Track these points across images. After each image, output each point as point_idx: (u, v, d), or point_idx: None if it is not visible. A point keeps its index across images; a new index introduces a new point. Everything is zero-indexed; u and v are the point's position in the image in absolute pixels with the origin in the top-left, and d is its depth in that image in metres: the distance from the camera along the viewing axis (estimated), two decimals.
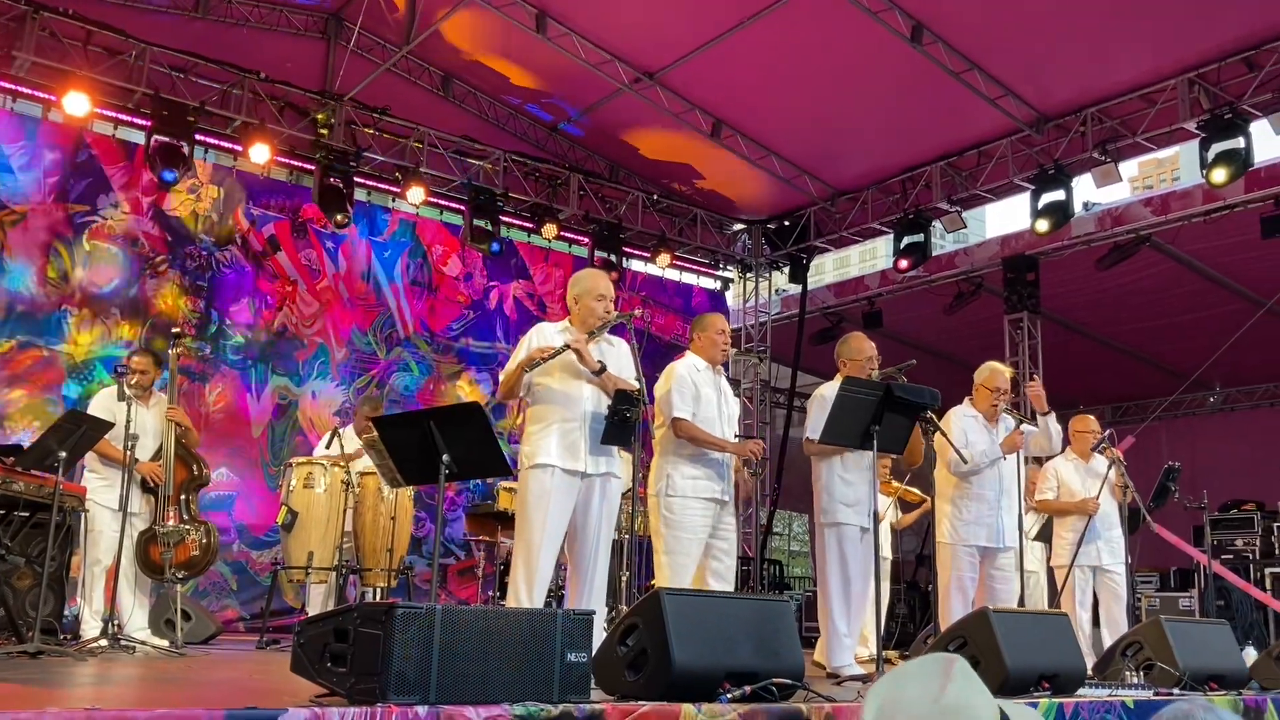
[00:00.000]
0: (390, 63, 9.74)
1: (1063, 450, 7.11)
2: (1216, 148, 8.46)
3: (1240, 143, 8.36)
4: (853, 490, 5.47)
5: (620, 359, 4.93)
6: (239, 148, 9.60)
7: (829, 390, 5.44)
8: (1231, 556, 10.50)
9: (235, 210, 9.81)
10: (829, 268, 40.94)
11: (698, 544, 5.17)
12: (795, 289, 12.62)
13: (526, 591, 4.58)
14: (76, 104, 8.58)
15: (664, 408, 5.26)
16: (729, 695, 3.12)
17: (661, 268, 12.11)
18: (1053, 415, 6.08)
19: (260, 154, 9.39)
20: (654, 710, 2.88)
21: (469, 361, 10.93)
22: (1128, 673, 4.81)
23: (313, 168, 9.80)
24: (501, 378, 4.90)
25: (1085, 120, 9.35)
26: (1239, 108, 8.39)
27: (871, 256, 40.30)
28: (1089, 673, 4.65)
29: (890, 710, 2.06)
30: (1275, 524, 10.59)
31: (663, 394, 5.29)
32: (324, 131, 9.65)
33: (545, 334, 4.90)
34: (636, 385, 4.73)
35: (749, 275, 12.93)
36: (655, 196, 11.79)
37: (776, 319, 12.94)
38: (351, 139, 9.97)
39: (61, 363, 8.77)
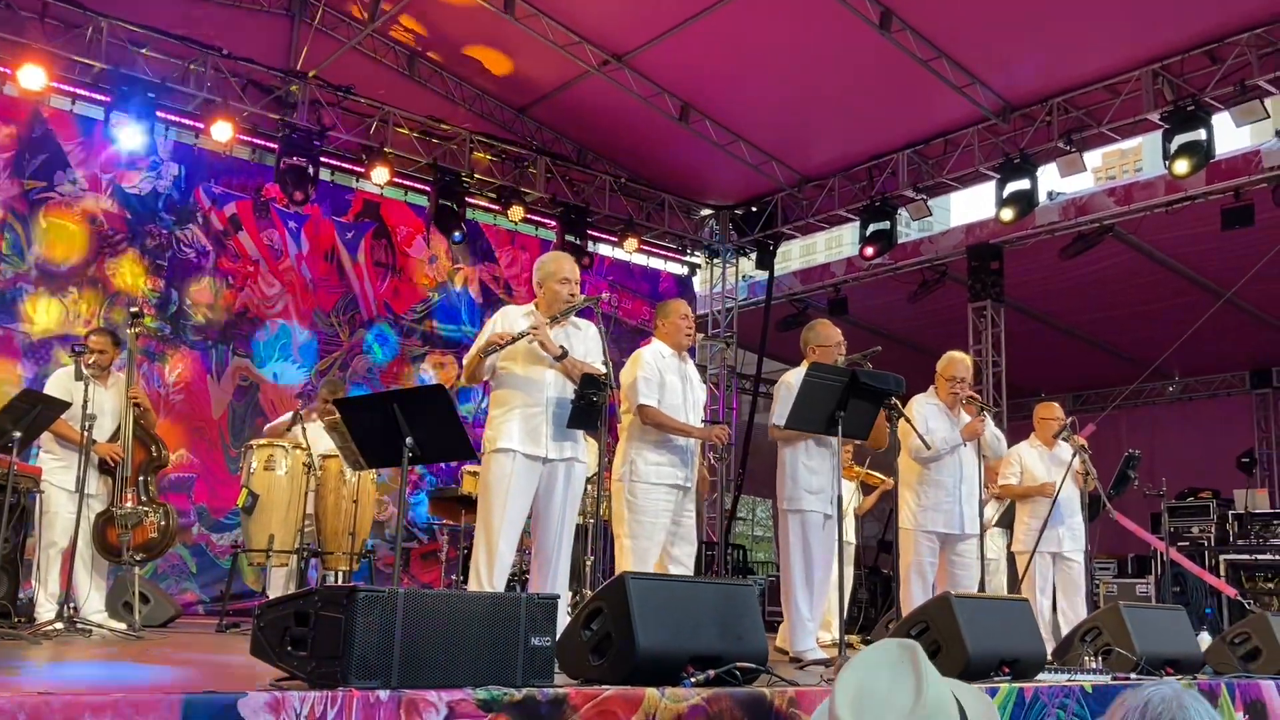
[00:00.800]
0: (355, 40, 9.63)
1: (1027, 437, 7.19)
2: (1179, 139, 8.54)
3: (1202, 135, 8.44)
4: (817, 477, 5.50)
5: (587, 342, 4.92)
6: (201, 125, 9.45)
7: (795, 377, 5.45)
8: (1188, 543, 10.67)
9: (196, 189, 9.67)
10: (795, 254, 41.00)
11: (660, 529, 5.20)
12: (762, 275, 12.65)
13: (487, 575, 4.59)
14: (32, 77, 8.40)
15: (629, 394, 5.27)
16: (692, 679, 3.12)
17: (629, 252, 12.07)
18: (990, 419, 6.12)
19: (222, 132, 9.23)
20: (618, 694, 2.87)
21: (433, 344, 10.86)
22: (1086, 657, 4.86)
23: (276, 147, 9.66)
24: (465, 361, 4.88)
25: (1051, 110, 9.41)
26: (1201, 100, 8.47)
27: (838, 244, 40.48)
28: (1049, 658, 4.70)
29: (871, 706, 2.06)
30: (1230, 512, 10.76)
31: (628, 380, 5.30)
32: (287, 110, 9.51)
33: (510, 317, 4.88)
34: (603, 370, 4.72)
35: (716, 261, 12.93)
36: (623, 180, 11.74)
37: (743, 305, 12.95)
38: (315, 118, 9.85)
39: (18, 342, 8.61)
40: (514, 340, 4.62)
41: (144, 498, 5.98)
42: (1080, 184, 10.27)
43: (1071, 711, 3.99)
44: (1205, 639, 5.81)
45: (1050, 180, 9.90)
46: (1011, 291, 11.12)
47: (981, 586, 6.10)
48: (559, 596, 3.42)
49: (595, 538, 5.68)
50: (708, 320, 12.62)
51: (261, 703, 2.35)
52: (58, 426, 5.76)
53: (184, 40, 9.17)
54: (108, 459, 5.92)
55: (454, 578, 8.20)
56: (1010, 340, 10.87)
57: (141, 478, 6.02)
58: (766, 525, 26.00)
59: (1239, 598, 9.66)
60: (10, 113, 8.82)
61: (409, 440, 3.86)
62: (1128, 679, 4.46)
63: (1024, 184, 9.56)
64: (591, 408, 4.55)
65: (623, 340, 11.50)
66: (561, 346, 4.70)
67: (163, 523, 5.97)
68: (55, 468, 5.94)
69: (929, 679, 2.09)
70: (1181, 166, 8.53)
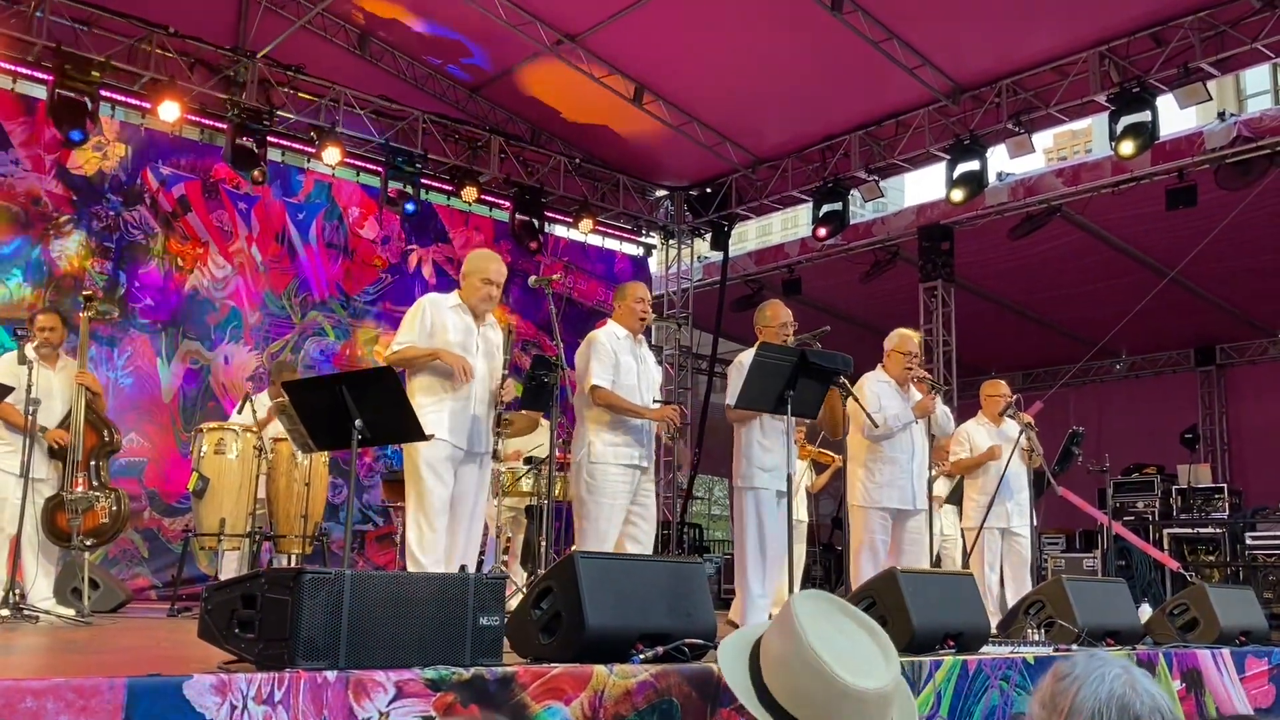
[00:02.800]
0: (305, 19, 9.49)
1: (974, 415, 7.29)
2: (1125, 120, 8.67)
3: (1147, 116, 8.58)
4: (770, 456, 5.55)
5: (497, 342, 5.14)
6: (148, 105, 9.29)
7: (748, 357, 5.49)
8: (1133, 518, 10.89)
9: (144, 170, 9.52)
10: (752, 235, 41.17)
11: (619, 510, 5.27)
12: (717, 256, 12.69)
13: (422, 557, 4.68)
14: None
15: (583, 376, 5.29)
16: (641, 656, 3.15)
17: (584, 233, 12.06)
18: (938, 397, 6.22)
19: (170, 112, 9.09)
20: (566, 671, 2.90)
21: (387, 326, 10.79)
22: (1029, 630, 4.97)
23: (225, 127, 9.53)
24: (406, 353, 4.95)
25: (1000, 91, 9.51)
26: (1146, 82, 8.60)
27: (794, 225, 40.59)
28: (993, 631, 4.79)
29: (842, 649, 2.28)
30: (1174, 487, 11.00)
31: (582, 362, 5.34)
32: (236, 89, 9.37)
33: (438, 307, 5.06)
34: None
35: (671, 242, 12.95)
36: (578, 161, 11.72)
37: (698, 286, 13.00)
38: (265, 98, 9.72)
39: None
40: (427, 359, 4.89)
41: (95, 482, 5.91)
42: (1030, 165, 10.41)
43: (1014, 683, 4.08)
44: (1146, 611, 5.94)
45: (1000, 161, 10.02)
46: (962, 271, 11.25)
47: (936, 562, 6.19)
48: (506, 576, 3.44)
49: (549, 518, 5.69)
50: (663, 301, 12.64)
51: (207, 685, 2.35)
52: (4, 411, 5.68)
53: (129, 18, 9.01)
54: (55, 443, 5.84)
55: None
56: (960, 320, 11.01)
57: (93, 462, 5.95)
58: (723, 504, 26.16)
59: (1181, 570, 9.88)
60: None
61: (358, 422, 3.84)
62: (1069, 650, 4.56)
63: (974, 165, 9.67)
64: (542, 388, 4.58)
65: (577, 322, 11.49)
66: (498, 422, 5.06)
67: (114, 508, 5.90)
68: (3, 453, 5.84)
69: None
70: (1127, 148, 8.67)
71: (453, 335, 4.93)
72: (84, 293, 6.39)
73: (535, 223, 11.25)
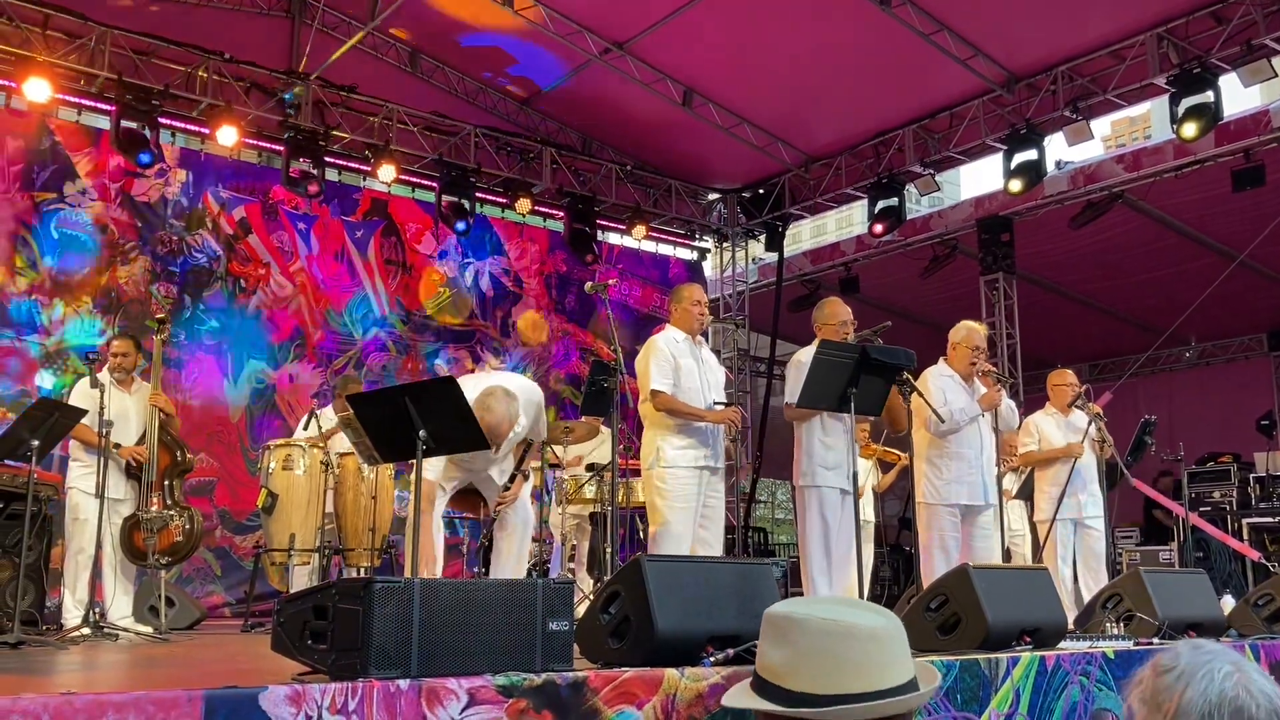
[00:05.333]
0: (356, 39, 9.61)
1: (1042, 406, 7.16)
2: (1186, 102, 8.48)
3: (1210, 97, 8.37)
4: (833, 453, 5.49)
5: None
6: (206, 130, 9.48)
7: (806, 355, 5.45)
8: (1209, 509, 10.61)
9: (204, 194, 9.71)
10: (807, 235, 40.96)
11: (691, 513, 5.28)
12: (772, 257, 12.62)
13: (425, 566, 4.75)
14: (37, 90, 8.45)
15: (643, 382, 5.31)
16: (712, 659, 3.13)
17: (638, 239, 12.06)
18: (1003, 390, 6.10)
19: (228, 136, 9.27)
20: (637, 675, 2.88)
21: (446, 339, 10.89)
22: (1108, 624, 4.86)
23: (281, 149, 9.69)
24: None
25: (1056, 79, 9.35)
26: (1208, 61, 8.40)
27: (849, 222, 40.29)
28: (1070, 626, 4.69)
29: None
30: (1251, 475, 10.70)
31: (643, 368, 5.36)
32: (291, 111, 9.53)
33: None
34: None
35: (725, 245, 12.91)
36: (629, 168, 11.73)
37: (754, 287, 12.94)
38: (320, 118, 9.87)
39: (33, 353, 8.68)
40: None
41: (169, 501, 6.04)
42: (1088, 152, 10.22)
43: (1094, 678, 3.98)
44: (1229, 602, 5.78)
45: (1058, 149, 9.86)
46: (1023, 263, 11.07)
47: (1006, 557, 6.08)
48: (574, 581, 3.44)
49: (613, 525, 5.69)
50: (719, 304, 12.60)
51: (282, 696, 2.37)
52: (82, 433, 5.81)
53: (185, 46, 9.20)
54: (132, 461, 5.97)
55: (476, 570, 8.23)
56: (1023, 312, 10.83)
57: (166, 482, 6.08)
58: (786, 508, 25.98)
59: (1263, 560, 9.61)
60: (18, 126, 8.88)
61: (422, 433, 3.86)
62: (1150, 644, 4.45)
63: (1031, 154, 9.51)
64: (602, 393, 4.57)
65: (633, 328, 11.52)
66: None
67: (187, 526, 6.02)
68: (82, 474, 5.99)
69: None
70: (1190, 130, 8.47)
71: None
72: (157, 316, 6.53)
73: (588, 230, 11.28)
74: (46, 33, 8.70)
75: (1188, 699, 1.51)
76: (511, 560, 5.30)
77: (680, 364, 5.35)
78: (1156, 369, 13.80)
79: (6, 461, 5.43)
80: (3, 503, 5.68)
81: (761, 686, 2.00)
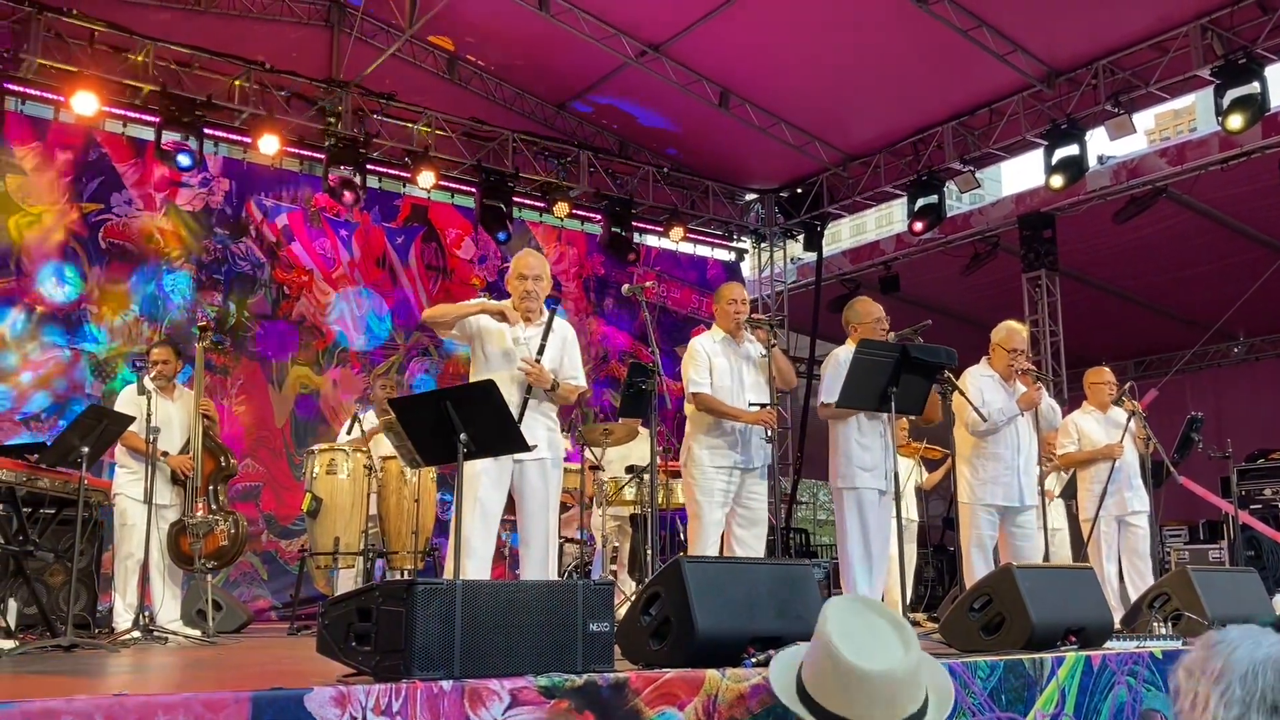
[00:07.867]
0: (394, 47, 9.71)
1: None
2: (1232, 94, 8.35)
3: (1256, 87, 8.25)
4: (870, 454, 5.47)
5: (565, 347, 4.97)
6: (248, 140, 9.61)
7: (843, 353, 5.44)
8: (1260, 506, 10.43)
9: (248, 202, 9.84)
10: (846, 234, 40.65)
11: (718, 508, 5.29)
12: (811, 257, 12.57)
13: (457, 566, 4.63)
14: (85, 103, 8.62)
15: (685, 383, 5.36)
16: (753, 659, 3.12)
17: (675, 241, 12.07)
18: (1043, 389, 6.02)
19: (269, 145, 9.40)
20: (678, 676, 2.89)
21: None
22: (1155, 624, 4.79)
23: (322, 157, 9.80)
24: (447, 309, 4.99)
25: (1097, 73, 9.25)
26: (1253, 52, 8.27)
27: (888, 221, 40.01)
28: (1116, 625, 4.63)
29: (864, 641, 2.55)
30: None
31: (684, 371, 5.46)
32: (332, 120, 9.64)
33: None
34: (583, 385, 4.88)
35: (763, 245, 12.88)
36: (666, 170, 11.74)
37: (793, 287, 12.89)
38: (359, 126, 9.97)
39: (84, 362, 8.84)
40: (503, 318, 4.75)
41: (214, 507, 6.12)
42: (1131, 146, 10.14)
43: (1142, 678, 3.93)
44: None
45: (1100, 144, 9.75)
46: (1066, 259, 10.95)
47: (1046, 557, 6.02)
48: (612, 583, 3.44)
49: (654, 527, 5.70)
50: (758, 304, 12.56)
51: (327, 697, 2.40)
52: (133, 441, 5.91)
53: (227, 57, 9.33)
54: (178, 470, 6.06)
55: (517, 572, 8.27)
56: (1067, 309, 10.71)
57: (211, 487, 6.16)
58: (828, 509, 25.86)
59: None
60: (66, 139, 9.05)
61: (463, 436, 3.89)
62: None
63: (1073, 149, 9.41)
64: (640, 395, 4.58)
65: (672, 330, 11.51)
66: (553, 376, 4.77)
67: (233, 530, 6.10)
68: (129, 481, 6.08)
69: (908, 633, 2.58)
70: (1235, 121, 8.34)
71: (505, 346, 4.88)
72: (199, 324, 6.63)
73: (624, 233, 11.29)
74: (93, 47, 8.86)
75: (1235, 658, 1.66)
76: (537, 555, 5.11)
77: (715, 363, 5.37)
78: (1204, 365, 13.59)
79: (58, 468, 5.52)
80: (55, 508, 5.78)
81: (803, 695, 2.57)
